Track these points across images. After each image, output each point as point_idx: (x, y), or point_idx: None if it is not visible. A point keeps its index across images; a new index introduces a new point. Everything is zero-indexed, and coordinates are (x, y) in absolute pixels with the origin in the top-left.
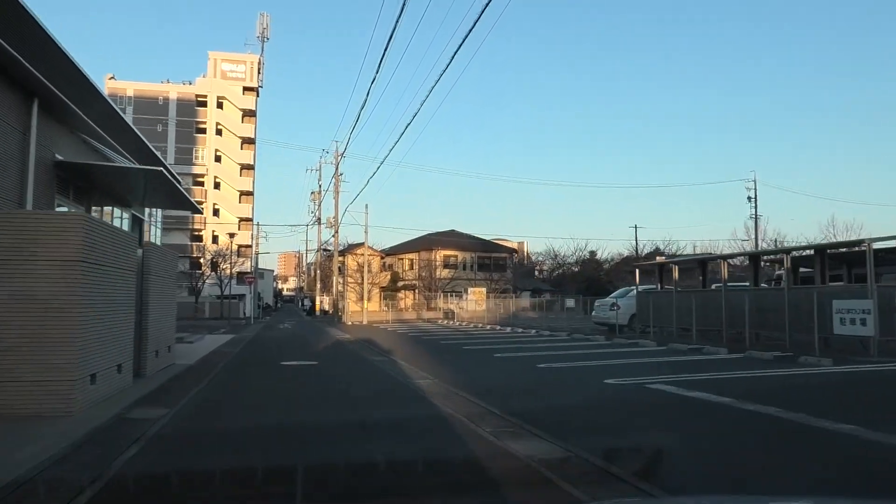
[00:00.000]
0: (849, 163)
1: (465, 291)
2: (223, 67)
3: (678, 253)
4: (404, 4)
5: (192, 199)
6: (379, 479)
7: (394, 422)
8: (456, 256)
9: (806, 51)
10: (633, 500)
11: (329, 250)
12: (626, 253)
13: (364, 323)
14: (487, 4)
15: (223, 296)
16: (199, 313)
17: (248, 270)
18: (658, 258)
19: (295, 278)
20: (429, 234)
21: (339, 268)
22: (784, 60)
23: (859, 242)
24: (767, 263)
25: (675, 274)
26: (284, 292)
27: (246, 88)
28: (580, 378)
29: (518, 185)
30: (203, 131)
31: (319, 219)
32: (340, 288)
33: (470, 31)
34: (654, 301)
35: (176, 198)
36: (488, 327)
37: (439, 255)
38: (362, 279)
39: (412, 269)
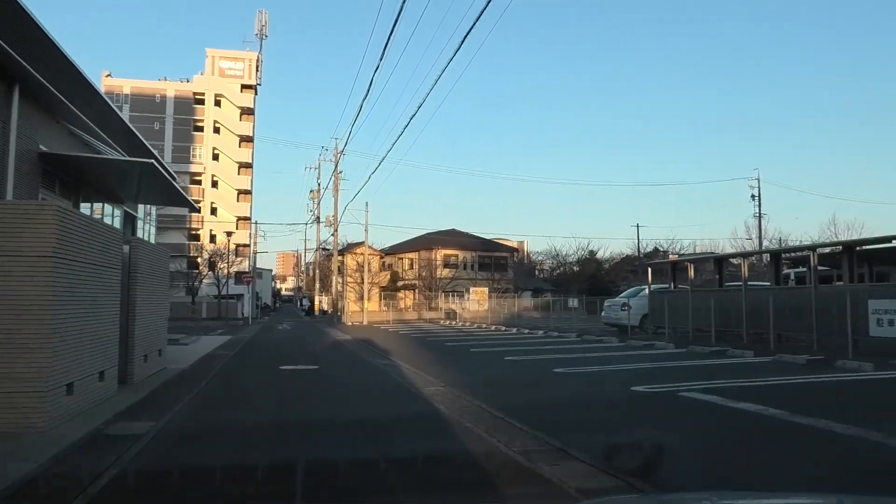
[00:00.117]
0: (849, 162)
1: (467, 291)
2: (221, 65)
3: (681, 252)
4: (404, 2)
5: (186, 195)
6: None
7: (417, 450)
8: (456, 256)
9: (806, 51)
10: (630, 496)
11: (328, 249)
12: (626, 252)
13: (364, 323)
14: (487, 4)
15: (221, 296)
16: (196, 314)
17: (247, 270)
18: (671, 256)
19: (293, 278)
20: (429, 234)
21: (339, 267)
22: (784, 60)
23: (890, 238)
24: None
25: (691, 272)
26: (283, 292)
27: (244, 86)
28: (605, 385)
29: (519, 183)
30: (201, 129)
31: (318, 217)
32: (340, 288)
33: (470, 30)
34: (670, 301)
35: (171, 194)
36: (493, 328)
37: (439, 254)
38: (362, 279)
39: (412, 268)
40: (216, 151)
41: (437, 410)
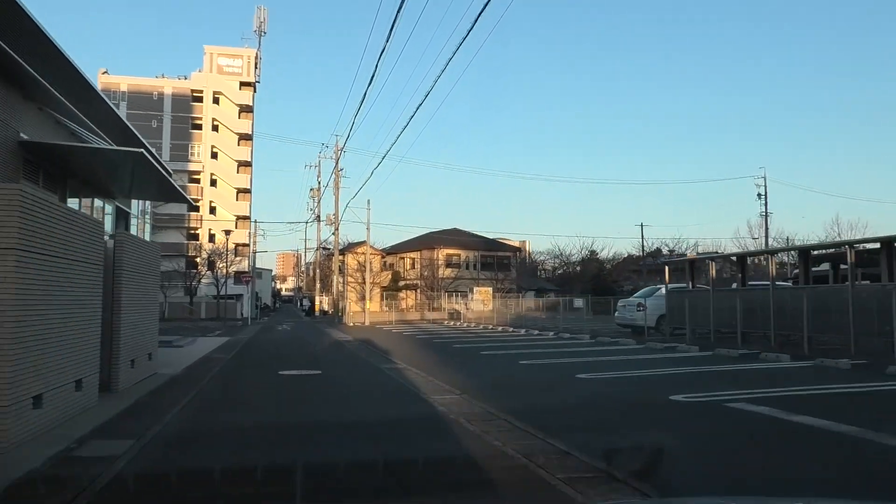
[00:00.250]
0: (851, 162)
1: (471, 291)
2: (220, 62)
3: (683, 252)
4: (403, 1)
5: (181, 189)
6: None
7: (441, 459)
8: (459, 255)
9: (806, 51)
10: (634, 501)
11: (328, 249)
12: (629, 252)
13: (366, 324)
14: (487, 4)
15: (219, 296)
16: (194, 314)
17: (246, 270)
18: (689, 254)
19: (293, 278)
20: (431, 233)
21: (340, 267)
22: (784, 60)
23: None
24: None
25: (713, 271)
26: (283, 293)
27: (243, 84)
28: (638, 393)
29: (520, 182)
30: (199, 127)
31: (319, 216)
32: (341, 288)
33: (470, 29)
34: (690, 301)
35: (165, 189)
36: (499, 329)
37: (441, 253)
38: (363, 278)
39: (414, 268)
40: (215, 150)
41: (449, 417)
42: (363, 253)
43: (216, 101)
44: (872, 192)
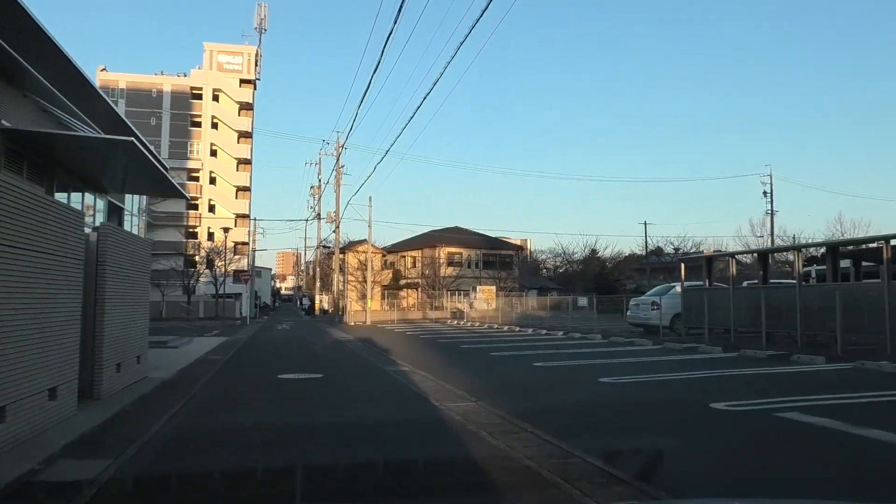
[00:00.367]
0: (852, 160)
1: (472, 290)
2: (219, 59)
3: (692, 250)
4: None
5: (175, 183)
6: None
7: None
8: (460, 254)
9: (806, 51)
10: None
11: (329, 247)
12: (628, 251)
13: (367, 323)
14: (489, 4)
15: (218, 295)
16: (192, 314)
17: (245, 268)
18: (705, 252)
19: (293, 277)
20: (432, 231)
21: (340, 265)
22: (784, 60)
23: None
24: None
25: (733, 268)
26: (282, 292)
27: (243, 81)
28: (674, 402)
29: (522, 181)
30: (198, 125)
31: (319, 214)
32: (341, 286)
33: (470, 30)
34: (709, 299)
35: (159, 182)
36: (505, 328)
37: (443, 252)
38: (364, 277)
39: (415, 266)
40: (214, 147)
41: (466, 427)
42: (364, 251)
43: (216, 98)
44: (875, 190)
